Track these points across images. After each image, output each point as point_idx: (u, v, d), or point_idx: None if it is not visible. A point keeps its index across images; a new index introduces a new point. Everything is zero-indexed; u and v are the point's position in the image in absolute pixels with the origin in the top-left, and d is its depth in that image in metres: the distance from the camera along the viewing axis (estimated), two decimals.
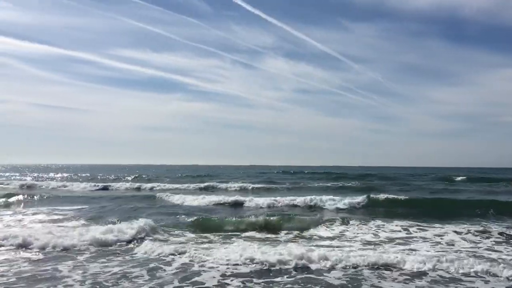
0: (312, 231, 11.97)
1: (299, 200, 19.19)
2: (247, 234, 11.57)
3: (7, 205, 18.85)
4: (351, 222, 13.10)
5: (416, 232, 11.76)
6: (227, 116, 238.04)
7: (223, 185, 31.87)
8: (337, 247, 9.62)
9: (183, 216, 14.20)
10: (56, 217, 14.17)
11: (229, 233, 11.60)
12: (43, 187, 33.12)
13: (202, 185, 32.12)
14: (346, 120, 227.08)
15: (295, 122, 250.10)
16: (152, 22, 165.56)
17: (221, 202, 19.69)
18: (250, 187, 30.77)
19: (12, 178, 45.43)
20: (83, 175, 53.69)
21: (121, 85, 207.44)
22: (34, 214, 15.04)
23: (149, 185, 32.45)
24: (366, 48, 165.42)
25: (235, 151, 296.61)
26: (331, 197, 19.35)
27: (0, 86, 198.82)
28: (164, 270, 7.67)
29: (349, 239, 10.90)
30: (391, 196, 19.81)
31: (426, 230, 11.90)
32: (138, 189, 31.32)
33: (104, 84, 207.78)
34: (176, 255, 8.73)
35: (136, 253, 9.03)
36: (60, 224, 12.58)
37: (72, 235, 10.04)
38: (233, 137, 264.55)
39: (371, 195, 19.45)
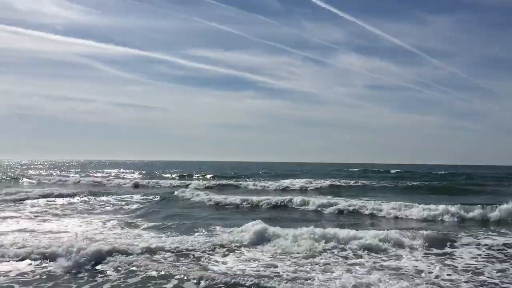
0: None
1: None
2: None
3: None
4: None
5: None
6: (298, 113, 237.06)
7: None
8: None
9: None
10: None
11: None
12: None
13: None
14: (422, 116, 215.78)
15: (368, 118, 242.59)
16: (225, 22, 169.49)
17: None
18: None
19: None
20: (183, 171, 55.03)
21: (196, 83, 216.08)
22: None
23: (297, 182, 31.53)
24: (444, 41, 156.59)
25: (305, 148, 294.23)
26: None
27: (84, 86, 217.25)
28: None
29: None
30: None
31: None
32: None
33: (180, 83, 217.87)
34: None
35: None
36: None
37: None
38: (303, 134, 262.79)
39: None
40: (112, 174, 48.93)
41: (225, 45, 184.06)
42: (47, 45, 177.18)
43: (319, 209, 17.60)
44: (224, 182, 33.84)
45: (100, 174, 48.43)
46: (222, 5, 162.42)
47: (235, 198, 19.98)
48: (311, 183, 31.87)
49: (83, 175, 45.04)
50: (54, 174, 47.43)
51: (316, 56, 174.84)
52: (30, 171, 53.26)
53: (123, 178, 40.59)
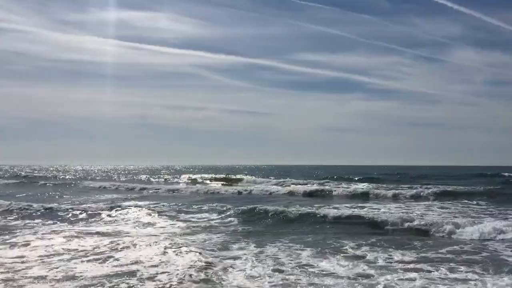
0: None
1: None
2: None
3: None
4: None
5: None
6: (409, 114, 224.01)
7: None
8: None
9: None
10: None
11: None
12: None
13: None
14: None
15: (489, 117, 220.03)
16: (330, 24, 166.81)
17: None
18: None
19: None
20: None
21: (302, 88, 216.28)
22: None
23: None
24: None
25: (418, 150, 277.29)
26: None
27: (197, 95, 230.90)
28: None
29: None
30: None
31: None
32: None
33: (286, 88, 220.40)
34: None
35: None
36: None
37: None
38: (417, 135, 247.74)
39: None
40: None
41: (330, 48, 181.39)
42: (163, 58, 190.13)
43: None
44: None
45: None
46: (326, 7, 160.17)
47: None
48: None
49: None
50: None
51: (428, 53, 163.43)
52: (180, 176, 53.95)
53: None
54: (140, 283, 6.41)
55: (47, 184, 37.41)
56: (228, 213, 14.88)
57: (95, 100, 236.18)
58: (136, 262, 7.60)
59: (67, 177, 53.75)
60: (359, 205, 18.89)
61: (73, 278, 6.72)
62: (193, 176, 49.08)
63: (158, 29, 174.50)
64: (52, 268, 7.28)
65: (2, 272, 7.01)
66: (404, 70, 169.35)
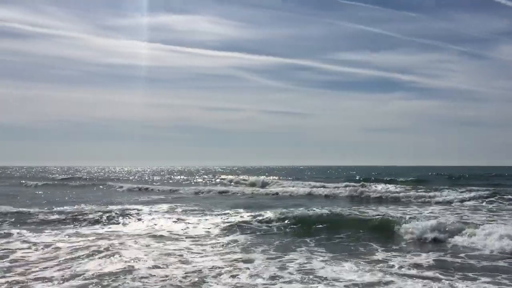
0: None
1: None
2: None
3: None
4: None
5: None
6: (453, 112, 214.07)
7: None
8: None
9: None
10: None
11: None
12: None
13: None
14: None
15: None
16: (370, 22, 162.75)
17: None
18: None
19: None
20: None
21: (341, 87, 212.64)
22: None
23: None
24: None
25: (462, 150, 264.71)
26: None
27: (235, 96, 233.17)
28: None
29: None
30: None
31: None
32: None
33: (325, 88, 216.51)
34: None
35: None
36: None
37: None
38: (461, 135, 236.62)
39: None
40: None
41: (370, 46, 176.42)
42: (202, 60, 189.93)
43: None
44: None
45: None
46: (366, 5, 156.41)
47: None
48: None
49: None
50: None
51: (473, 49, 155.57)
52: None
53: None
54: None
55: (113, 188, 36.36)
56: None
57: (135, 103, 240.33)
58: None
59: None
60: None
61: None
62: (233, 177, 48.91)
63: (197, 31, 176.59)
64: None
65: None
66: (448, 67, 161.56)
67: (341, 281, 7.09)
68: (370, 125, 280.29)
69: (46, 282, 7.02)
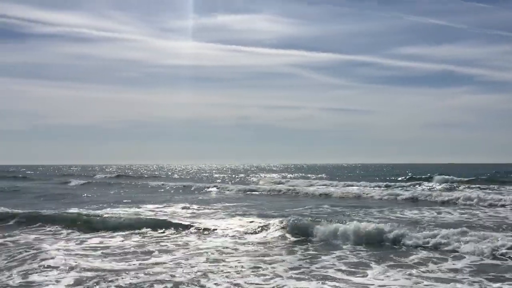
0: None
1: None
2: None
3: None
4: None
5: None
6: None
7: None
8: None
9: None
10: None
11: None
12: None
13: None
14: None
15: None
16: (432, 15, 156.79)
17: None
18: None
19: None
20: None
21: (402, 83, 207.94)
22: None
23: None
24: None
25: None
26: None
27: (294, 94, 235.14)
28: None
29: None
30: None
31: None
32: None
33: (384, 83, 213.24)
34: None
35: None
36: None
37: None
38: None
39: None
40: None
41: (434, 39, 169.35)
42: (260, 59, 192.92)
43: None
44: None
45: None
46: None
47: None
48: None
49: None
50: None
51: None
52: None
53: None
54: None
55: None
56: None
57: (195, 103, 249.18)
58: None
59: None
60: None
61: None
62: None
63: (255, 30, 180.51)
64: None
65: None
66: None
67: None
68: (432, 121, 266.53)
69: None
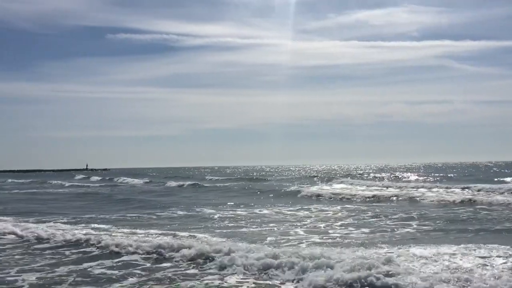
0: None
1: None
2: None
3: None
4: None
5: None
6: None
7: None
8: None
9: None
10: None
11: None
12: None
13: None
14: None
15: None
16: None
17: None
18: None
19: None
20: None
21: None
22: None
23: None
24: None
25: None
26: None
27: (440, 88, 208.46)
28: None
29: None
30: None
31: None
32: None
33: None
34: None
35: None
36: None
37: None
38: None
39: None
40: None
41: None
42: (402, 53, 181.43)
43: None
44: None
45: None
46: None
47: None
48: None
49: None
50: None
51: None
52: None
53: None
54: None
55: None
56: None
57: (332, 102, 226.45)
58: None
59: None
60: None
61: None
62: None
63: (396, 24, 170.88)
64: None
65: None
66: None
67: None
68: None
69: None
